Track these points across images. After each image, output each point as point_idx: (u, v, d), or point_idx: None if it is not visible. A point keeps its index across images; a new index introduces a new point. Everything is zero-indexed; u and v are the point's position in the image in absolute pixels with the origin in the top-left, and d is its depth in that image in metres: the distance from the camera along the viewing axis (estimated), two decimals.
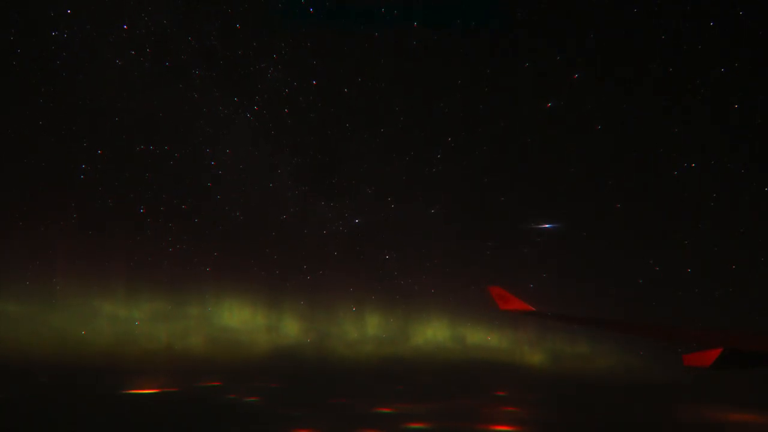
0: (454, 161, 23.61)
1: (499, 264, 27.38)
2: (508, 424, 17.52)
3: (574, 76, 18.66)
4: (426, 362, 31.07)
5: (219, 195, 25.07)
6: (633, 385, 27.65)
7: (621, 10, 16.52)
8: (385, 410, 18.94)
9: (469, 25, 18.36)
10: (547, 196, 23.86)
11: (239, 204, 25.64)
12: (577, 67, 18.49)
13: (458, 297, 30.36)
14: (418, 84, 20.98)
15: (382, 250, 28.03)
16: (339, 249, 27.85)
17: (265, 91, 21.34)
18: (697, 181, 20.74)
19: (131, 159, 22.77)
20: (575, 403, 22.60)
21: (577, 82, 18.73)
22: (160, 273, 27.75)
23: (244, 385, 23.45)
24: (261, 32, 19.25)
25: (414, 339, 32.65)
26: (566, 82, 18.93)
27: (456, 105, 21.29)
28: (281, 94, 21.34)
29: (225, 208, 25.60)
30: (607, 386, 27.74)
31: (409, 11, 18.16)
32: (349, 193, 25.82)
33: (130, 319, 28.95)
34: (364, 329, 32.09)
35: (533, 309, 7.55)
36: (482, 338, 32.83)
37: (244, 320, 31.14)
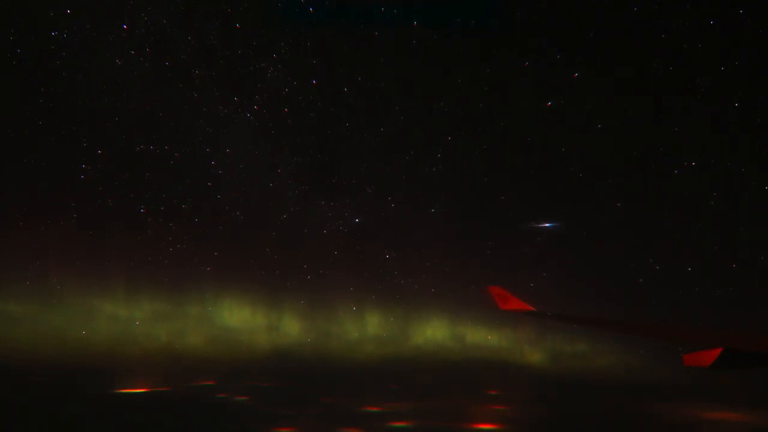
0: (454, 161, 23.68)
1: (499, 264, 27.41)
2: (491, 423, 17.47)
3: (574, 75, 18.70)
4: (426, 362, 31.09)
5: (219, 195, 25.14)
6: (633, 384, 27.64)
7: (621, 10, 16.56)
8: (373, 409, 18.86)
9: (469, 25, 18.39)
10: (547, 196, 23.91)
11: (239, 204, 25.68)
12: (577, 66, 18.53)
13: (458, 297, 30.37)
14: (418, 84, 21.05)
15: (382, 249, 28.07)
16: (339, 249, 27.89)
17: (265, 90, 21.39)
18: (697, 180, 20.78)
19: (131, 159, 22.82)
20: (568, 403, 22.52)
21: (577, 81, 18.77)
22: (160, 273, 27.78)
23: (237, 385, 23.36)
24: (261, 32, 19.30)
25: (414, 338, 32.71)
26: (566, 81, 18.97)
27: (456, 105, 21.34)
28: (281, 94, 21.39)
29: (225, 208, 25.66)
30: (607, 386, 27.71)
31: (409, 11, 18.20)
32: (349, 193, 25.86)
33: (131, 319, 29.00)
34: (365, 329, 32.13)
35: (533, 309, 7.55)
36: (482, 338, 32.86)
37: (244, 320, 31.17)
